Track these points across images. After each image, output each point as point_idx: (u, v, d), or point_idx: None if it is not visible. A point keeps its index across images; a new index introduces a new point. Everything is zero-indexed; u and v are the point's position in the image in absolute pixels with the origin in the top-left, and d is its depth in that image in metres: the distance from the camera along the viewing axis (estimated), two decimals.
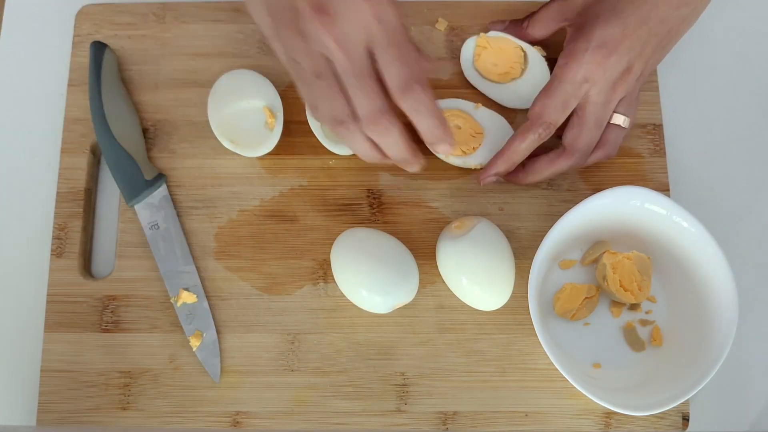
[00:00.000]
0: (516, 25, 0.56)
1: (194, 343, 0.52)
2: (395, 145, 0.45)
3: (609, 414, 0.52)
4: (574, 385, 0.47)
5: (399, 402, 0.52)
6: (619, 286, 0.52)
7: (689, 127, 0.59)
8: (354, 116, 0.43)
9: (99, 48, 0.57)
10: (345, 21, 0.39)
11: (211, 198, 0.56)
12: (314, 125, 0.55)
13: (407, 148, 0.46)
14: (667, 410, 0.48)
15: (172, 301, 0.53)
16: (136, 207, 0.55)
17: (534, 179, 0.53)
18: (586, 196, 0.51)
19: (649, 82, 0.59)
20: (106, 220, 0.56)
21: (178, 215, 0.55)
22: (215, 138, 0.55)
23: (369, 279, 0.50)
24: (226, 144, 0.55)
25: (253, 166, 0.57)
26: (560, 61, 0.48)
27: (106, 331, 0.53)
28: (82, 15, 0.59)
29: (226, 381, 0.52)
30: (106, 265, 0.56)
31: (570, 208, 0.51)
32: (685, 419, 0.52)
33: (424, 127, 0.45)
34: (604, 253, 0.53)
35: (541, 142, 0.50)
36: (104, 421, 0.52)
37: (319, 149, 0.56)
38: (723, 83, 0.60)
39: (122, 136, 0.55)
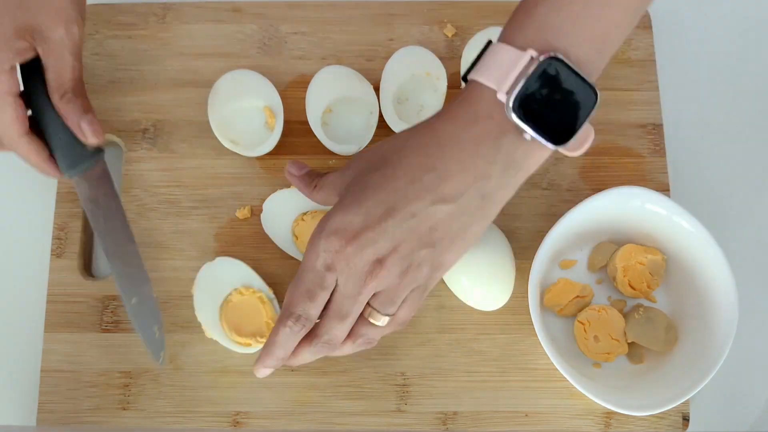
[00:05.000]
0: (306, 181, 0.49)
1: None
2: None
3: (609, 414, 0.52)
4: (574, 385, 0.47)
5: (399, 402, 0.52)
6: (627, 286, 0.53)
7: (689, 127, 0.59)
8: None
9: None
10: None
11: (211, 198, 0.56)
12: (314, 125, 0.55)
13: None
14: (667, 410, 0.48)
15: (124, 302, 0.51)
16: (75, 180, 0.50)
17: (296, 363, 0.46)
18: (586, 196, 0.51)
19: (648, 82, 0.59)
20: None
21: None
22: (215, 138, 0.55)
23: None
24: (226, 144, 0.55)
25: (253, 166, 0.57)
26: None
27: (106, 331, 0.53)
28: None
29: (226, 381, 0.52)
30: (106, 265, 0.56)
31: (570, 208, 0.51)
32: (685, 419, 0.52)
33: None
34: (616, 252, 0.53)
35: (300, 334, 0.44)
36: (104, 421, 0.52)
37: (319, 149, 0.56)
38: (723, 83, 0.60)
39: None
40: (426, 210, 0.41)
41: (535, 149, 0.41)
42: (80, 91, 0.47)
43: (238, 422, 0.52)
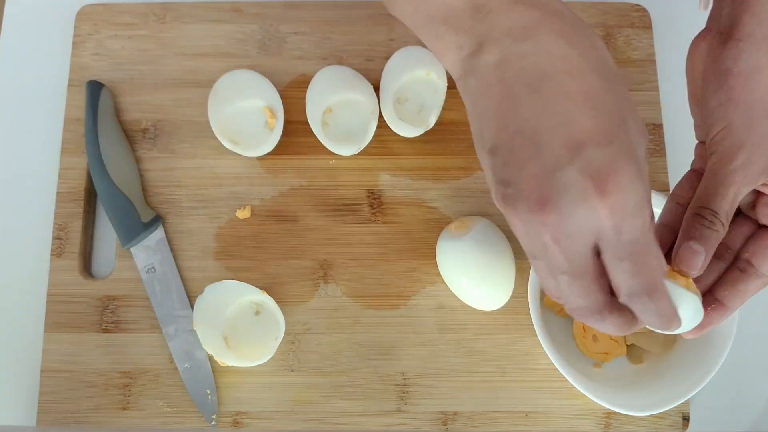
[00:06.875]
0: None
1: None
2: (617, 329, 0.36)
3: (609, 414, 0.52)
4: (574, 385, 0.47)
5: (399, 402, 0.52)
6: None
7: (689, 127, 0.59)
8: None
9: (95, 87, 0.56)
10: (570, 221, 0.32)
11: (211, 198, 0.56)
12: (314, 125, 0.55)
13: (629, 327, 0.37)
14: (667, 410, 0.48)
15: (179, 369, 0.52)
16: (132, 250, 0.54)
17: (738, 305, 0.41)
18: None
19: (648, 82, 0.59)
20: (106, 220, 0.56)
21: (175, 257, 0.54)
22: (215, 138, 0.55)
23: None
24: (226, 144, 0.55)
25: (253, 166, 0.57)
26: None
27: (106, 331, 0.53)
28: (82, 15, 0.59)
29: (226, 381, 0.52)
30: (106, 265, 0.56)
31: None
32: (685, 419, 0.52)
33: (650, 323, 0.36)
34: None
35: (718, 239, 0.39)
36: (104, 421, 0.52)
37: (319, 149, 0.56)
38: None
39: (119, 177, 0.54)
40: None
41: None
42: None
43: (238, 422, 0.52)
